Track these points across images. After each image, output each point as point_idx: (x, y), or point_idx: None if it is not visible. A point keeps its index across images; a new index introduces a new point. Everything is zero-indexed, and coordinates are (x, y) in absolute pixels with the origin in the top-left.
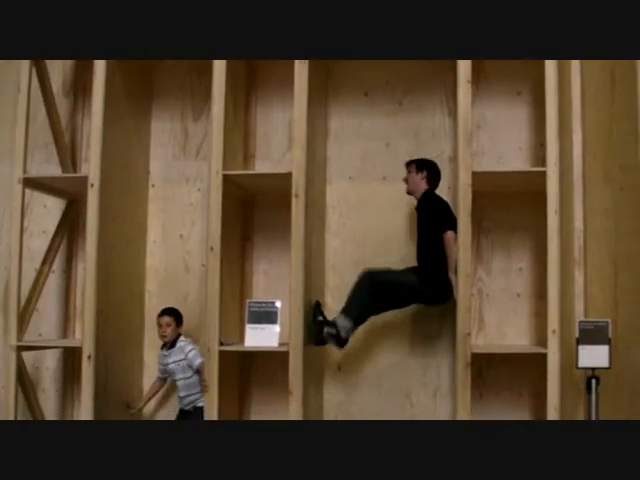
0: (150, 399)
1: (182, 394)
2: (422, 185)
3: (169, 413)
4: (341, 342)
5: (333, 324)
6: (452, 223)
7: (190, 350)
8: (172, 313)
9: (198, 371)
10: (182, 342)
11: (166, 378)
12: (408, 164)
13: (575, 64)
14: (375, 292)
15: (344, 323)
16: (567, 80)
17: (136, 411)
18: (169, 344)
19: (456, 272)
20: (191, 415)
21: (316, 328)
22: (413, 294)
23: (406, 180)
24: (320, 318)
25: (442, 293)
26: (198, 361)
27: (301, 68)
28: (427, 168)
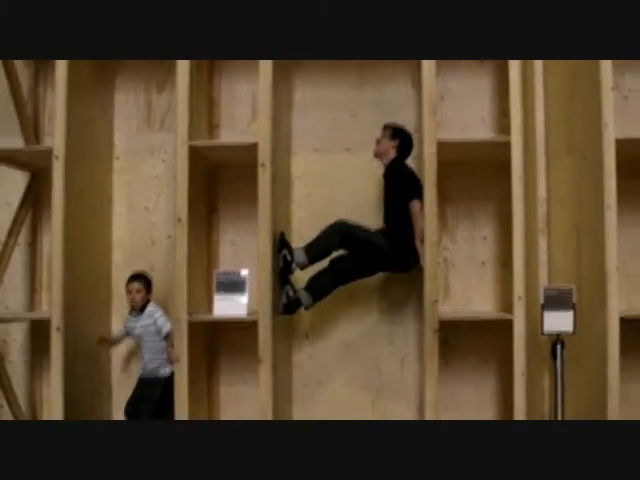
0: (115, 343)
1: (147, 357)
2: (391, 153)
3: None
4: (287, 271)
5: (290, 253)
6: (419, 192)
7: (160, 316)
8: (142, 279)
9: (166, 337)
10: (152, 307)
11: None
12: (385, 127)
13: None
14: (341, 241)
15: (301, 257)
16: None
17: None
18: (138, 309)
19: (422, 241)
20: (153, 384)
21: (281, 260)
22: (379, 256)
23: (378, 141)
24: (284, 251)
25: (408, 259)
26: (167, 326)
27: None
28: (400, 137)
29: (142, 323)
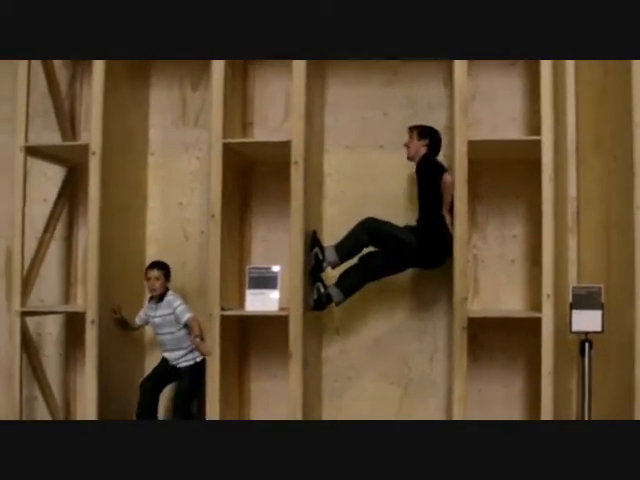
0: (128, 325)
1: (168, 348)
2: (422, 151)
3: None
4: (319, 272)
5: (322, 251)
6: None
7: (178, 305)
8: (161, 267)
9: (186, 325)
10: (171, 296)
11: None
12: (411, 129)
13: None
14: (370, 239)
15: (332, 256)
16: None
17: (119, 317)
18: (157, 298)
19: (449, 211)
20: (181, 374)
21: (313, 259)
22: (408, 252)
23: (407, 145)
24: (316, 249)
25: (438, 255)
26: (187, 315)
27: None
28: (430, 136)
29: (161, 312)
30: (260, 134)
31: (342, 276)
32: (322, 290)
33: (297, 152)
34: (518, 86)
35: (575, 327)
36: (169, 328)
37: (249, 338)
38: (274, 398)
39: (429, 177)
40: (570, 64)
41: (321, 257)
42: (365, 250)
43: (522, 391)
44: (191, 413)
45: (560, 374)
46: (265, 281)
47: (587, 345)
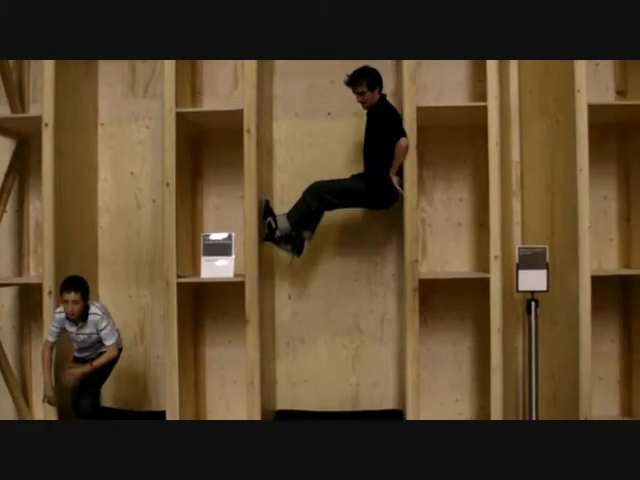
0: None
1: (85, 354)
2: (376, 97)
3: None
4: (274, 239)
5: (274, 220)
6: (404, 131)
7: (104, 327)
8: (78, 287)
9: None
10: (95, 316)
11: (56, 341)
12: (357, 81)
13: None
14: (321, 201)
15: (284, 224)
16: None
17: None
18: (79, 319)
19: (397, 174)
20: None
21: (266, 227)
22: (361, 198)
23: (361, 101)
24: (269, 218)
25: (388, 196)
26: (110, 342)
27: None
28: (378, 83)
29: (85, 331)
30: (209, 103)
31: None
32: (273, 225)
33: (249, 120)
34: None
35: (521, 287)
36: (93, 345)
37: (203, 305)
38: (229, 363)
39: (381, 122)
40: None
41: (274, 225)
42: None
43: (470, 349)
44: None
45: (507, 332)
46: (220, 248)
47: (533, 304)
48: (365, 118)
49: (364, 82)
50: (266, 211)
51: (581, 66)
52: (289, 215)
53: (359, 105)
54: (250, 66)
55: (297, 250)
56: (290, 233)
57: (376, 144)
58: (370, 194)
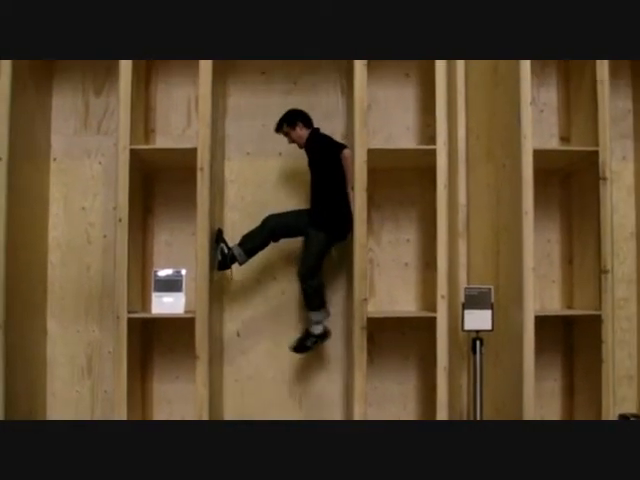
0: None
1: None
2: (304, 133)
3: None
4: (225, 263)
5: (229, 249)
6: (343, 145)
7: None
8: None
9: None
10: None
11: None
12: (278, 129)
13: None
14: (271, 234)
15: (241, 255)
16: (453, 64)
17: None
18: None
19: (353, 188)
20: None
21: (219, 254)
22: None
23: (291, 141)
24: (222, 245)
25: (338, 231)
26: None
27: None
28: (297, 118)
29: None
30: (162, 141)
31: (245, 236)
32: (226, 251)
33: (203, 159)
34: (411, 97)
35: (467, 326)
36: None
37: (152, 340)
38: (177, 399)
39: (323, 151)
40: (461, 79)
41: (226, 251)
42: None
43: (416, 387)
44: None
45: (453, 371)
46: (170, 284)
47: (478, 342)
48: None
49: (283, 124)
50: (218, 239)
51: (527, 112)
52: (242, 244)
53: None
54: (204, 104)
55: (221, 265)
56: (246, 261)
57: (321, 172)
58: (319, 230)
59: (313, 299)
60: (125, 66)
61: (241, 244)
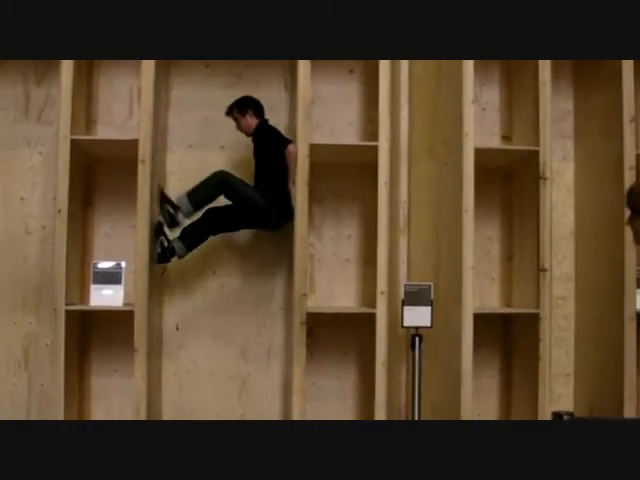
0: None
1: None
2: (253, 122)
3: None
4: (174, 222)
5: (177, 207)
6: (289, 140)
7: None
8: None
9: None
10: None
11: None
12: (229, 113)
13: None
14: (222, 190)
15: (186, 206)
16: (397, 63)
17: None
18: None
19: (294, 183)
20: None
21: (166, 215)
22: (255, 211)
23: (239, 128)
24: (167, 206)
25: (282, 215)
26: None
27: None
28: (248, 105)
29: None
30: (104, 131)
31: (185, 230)
32: (166, 244)
33: (144, 151)
34: (355, 93)
35: (406, 322)
36: None
37: (89, 333)
38: (115, 393)
39: (270, 143)
40: (405, 76)
41: (173, 210)
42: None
43: (355, 383)
44: None
45: (392, 367)
46: (109, 276)
47: (417, 339)
48: None
49: (234, 108)
50: (162, 199)
51: (469, 110)
52: (190, 195)
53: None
54: (147, 96)
55: (161, 258)
56: (192, 214)
57: (265, 163)
58: (267, 206)
59: (204, 196)
60: None
61: (181, 237)
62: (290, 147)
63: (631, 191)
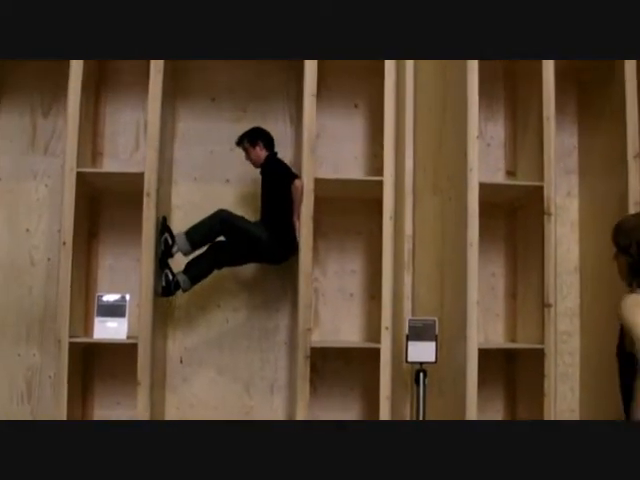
0: None
1: None
2: (263, 154)
3: None
4: (168, 253)
5: (172, 237)
6: (296, 175)
7: None
8: None
9: None
10: None
11: None
12: (239, 143)
13: (409, 84)
14: (221, 229)
15: (184, 244)
16: (402, 98)
17: None
18: None
19: (299, 218)
20: None
21: (162, 244)
22: (258, 246)
23: (248, 159)
24: (166, 234)
25: (286, 249)
26: None
27: (156, 70)
28: (259, 137)
29: None
30: (110, 164)
31: (190, 263)
32: (170, 277)
33: (149, 184)
34: (360, 128)
35: (411, 357)
36: None
37: (93, 366)
38: None
39: (277, 177)
40: (410, 111)
41: (170, 242)
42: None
43: (359, 418)
44: None
45: (396, 401)
46: (113, 309)
47: (422, 374)
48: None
49: (245, 139)
50: (163, 228)
51: (473, 146)
52: (189, 234)
53: (257, 172)
54: (153, 129)
55: (165, 292)
56: (189, 253)
57: (271, 196)
58: (270, 241)
59: (203, 235)
60: (74, 88)
61: (186, 270)
62: (296, 182)
63: (617, 227)
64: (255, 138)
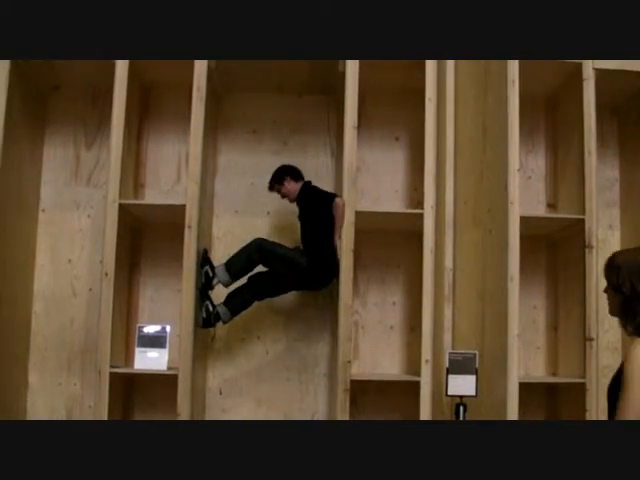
0: None
1: None
2: (295, 187)
3: None
4: (209, 285)
5: (212, 269)
6: (335, 194)
7: None
8: None
9: None
10: None
11: None
12: (271, 188)
13: (450, 115)
14: (260, 258)
15: (224, 276)
16: (442, 131)
17: None
18: None
19: (340, 237)
20: None
21: (203, 276)
22: (297, 273)
23: (285, 197)
24: (206, 267)
25: (326, 275)
26: None
27: (198, 101)
28: (284, 174)
29: None
30: (151, 195)
31: (230, 295)
32: (211, 309)
33: (191, 216)
34: (400, 160)
35: (451, 391)
36: None
37: (133, 396)
38: None
39: (316, 199)
40: (450, 144)
41: (211, 274)
42: (256, 269)
43: None
44: None
45: None
46: (154, 340)
47: (462, 408)
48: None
49: (273, 183)
50: (204, 260)
51: (514, 178)
52: (228, 265)
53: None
54: (194, 162)
55: (205, 323)
56: (229, 284)
57: (311, 222)
58: (309, 265)
59: (242, 265)
60: (117, 120)
61: (226, 302)
62: (337, 200)
63: (609, 262)
64: (281, 177)
